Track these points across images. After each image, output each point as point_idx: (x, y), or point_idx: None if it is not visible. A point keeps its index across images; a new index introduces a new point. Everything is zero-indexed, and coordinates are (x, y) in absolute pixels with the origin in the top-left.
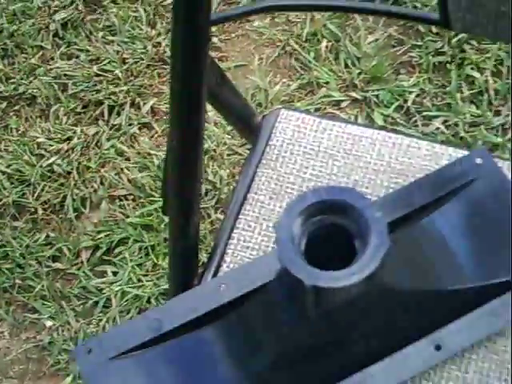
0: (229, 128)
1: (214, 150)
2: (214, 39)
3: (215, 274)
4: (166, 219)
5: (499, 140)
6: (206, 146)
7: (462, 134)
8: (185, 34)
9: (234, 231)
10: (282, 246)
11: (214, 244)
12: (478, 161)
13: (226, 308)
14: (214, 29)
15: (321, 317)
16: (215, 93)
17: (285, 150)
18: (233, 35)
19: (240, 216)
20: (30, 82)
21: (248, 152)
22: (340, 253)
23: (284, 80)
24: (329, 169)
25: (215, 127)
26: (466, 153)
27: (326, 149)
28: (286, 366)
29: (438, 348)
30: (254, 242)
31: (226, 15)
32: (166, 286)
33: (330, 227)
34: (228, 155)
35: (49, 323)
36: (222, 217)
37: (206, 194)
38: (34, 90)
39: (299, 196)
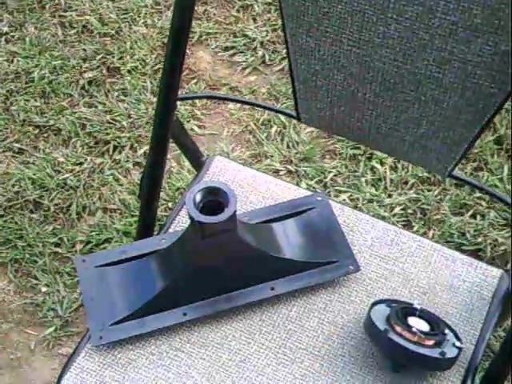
0: None
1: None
2: (197, 112)
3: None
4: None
5: (386, 214)
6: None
7: (360, 205)
8: (162, 100)
9: (177, 217)
10: (189, 206)
11: (166, 220)
12: (318, 198)
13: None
14: (199, 105)
15: (206, 243)
16: (178, 137)
17: (216, 177)
18: (212, 112)
19: (182, 209)
20: (59, 118)
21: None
22: (217, 211)
23: (242, 149)
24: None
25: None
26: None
27: (238, 180)
28: (191, 277)
29: (272, 289)
30: (185, 223)
31: (185, 97)
32: None
33: (213, 200)
34: None
35: (44, 289)
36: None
37: None
38: (61, 125)
39: (198, 184)
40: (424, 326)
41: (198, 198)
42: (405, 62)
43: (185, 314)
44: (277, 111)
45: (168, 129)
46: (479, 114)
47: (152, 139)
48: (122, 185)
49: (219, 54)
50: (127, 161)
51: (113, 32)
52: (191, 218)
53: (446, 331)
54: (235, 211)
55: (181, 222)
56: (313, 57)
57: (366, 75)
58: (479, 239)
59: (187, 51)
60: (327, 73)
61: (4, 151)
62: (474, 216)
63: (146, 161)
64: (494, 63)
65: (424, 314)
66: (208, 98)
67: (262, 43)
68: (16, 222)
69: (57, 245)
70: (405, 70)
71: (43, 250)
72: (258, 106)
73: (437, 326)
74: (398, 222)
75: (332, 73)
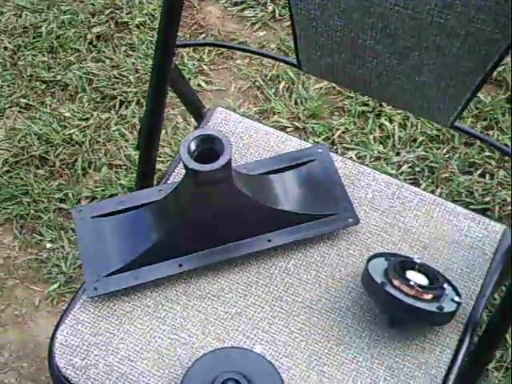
0: None
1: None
2: (205, 67)
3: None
4: None
5: (393, 172)
6: None
7: (368, 163)
8: (160, 45)
9: (176, 169)
10: (183, 154)
11: (165, 172)
12: (319, 150)
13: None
14: (206, 60)
15: (201, 193)
16: (177, 86)
17: (217, 127)
18: (219, 67)
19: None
20: (66, 73)
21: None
22: (212, 160)
23: (250, 106)
24: (235, 141)
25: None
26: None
27: (239, 132)
28: (186, 227)
29: (269, 241)
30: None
31: (184, 43)
32: None
33: (208, 148)
34: None
35: (48, 245)
36: None
37: None
38: (68, 80)
39: (192, 133)
40: (422, 280)
41: (193, 146)
42: (406, 6)
43: (180, 265)
44: (277, 59)
45: (166, 76)
46: (481, 61)
47: (150, 86)
48: (127, 140)
49: (229, 9)
50: (133, 116)
51: None
52: (185, 166)
53: (445, 286)
54: (230, 160)
55: (180, 174)
56: (312, 2)
57: (366, 21)
58: (487, 198)
59: (196, 6)
60: (327, 19)
61: (11, 106)
62: (482, 175)
63: (143, 114)
64: (498, 7)
65: (423, 268)
66: (208, 45)
67: None
68: (21, 178)
69: (62, 200)
70: (406, 16)
71: (48, 206)
72: (256, 52)
73: (436, 280)
74: (405, 180)
75: (332, 19)
